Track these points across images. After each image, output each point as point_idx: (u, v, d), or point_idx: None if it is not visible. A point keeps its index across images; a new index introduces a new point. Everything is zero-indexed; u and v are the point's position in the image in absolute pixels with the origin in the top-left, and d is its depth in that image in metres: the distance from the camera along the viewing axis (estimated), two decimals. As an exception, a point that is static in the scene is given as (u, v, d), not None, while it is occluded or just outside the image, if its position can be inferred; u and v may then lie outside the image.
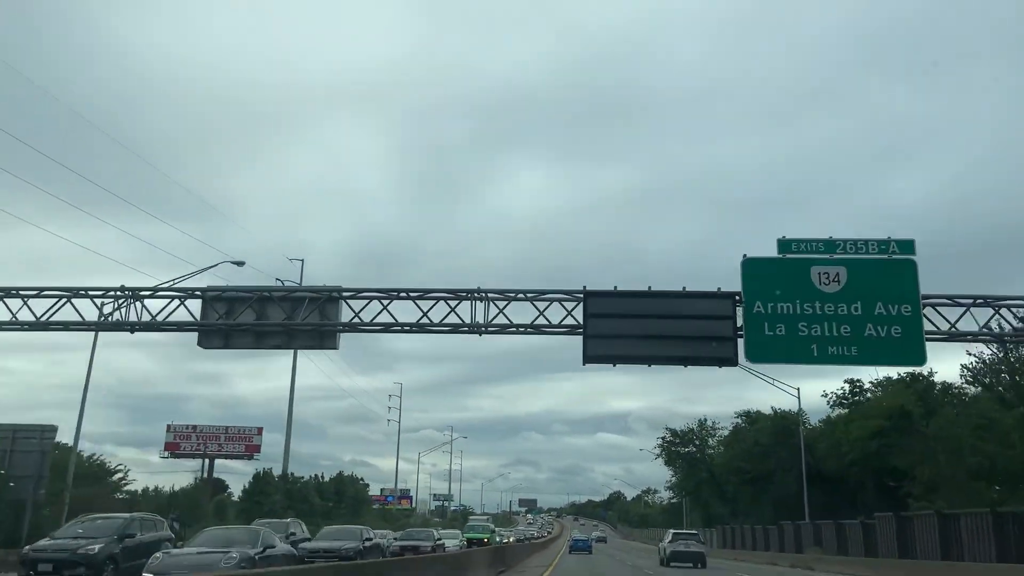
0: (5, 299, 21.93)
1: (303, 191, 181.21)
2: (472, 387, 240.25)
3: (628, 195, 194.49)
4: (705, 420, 78.23)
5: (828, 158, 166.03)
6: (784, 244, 22.06)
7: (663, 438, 78.37)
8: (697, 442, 77.74)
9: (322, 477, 72.65)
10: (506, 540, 54.42)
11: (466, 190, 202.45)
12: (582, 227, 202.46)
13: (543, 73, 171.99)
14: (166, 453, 58.84)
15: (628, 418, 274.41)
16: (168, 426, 59.32)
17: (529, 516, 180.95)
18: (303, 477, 64.64)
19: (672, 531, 39.98)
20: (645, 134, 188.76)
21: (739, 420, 67.52)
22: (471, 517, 77.93)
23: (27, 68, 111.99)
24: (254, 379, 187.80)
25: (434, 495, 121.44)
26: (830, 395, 54.12)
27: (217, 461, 60.03)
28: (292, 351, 42.15)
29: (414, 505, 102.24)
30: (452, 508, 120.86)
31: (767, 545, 46.81)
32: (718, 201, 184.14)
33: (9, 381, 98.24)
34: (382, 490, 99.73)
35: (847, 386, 53.05)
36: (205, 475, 57.92)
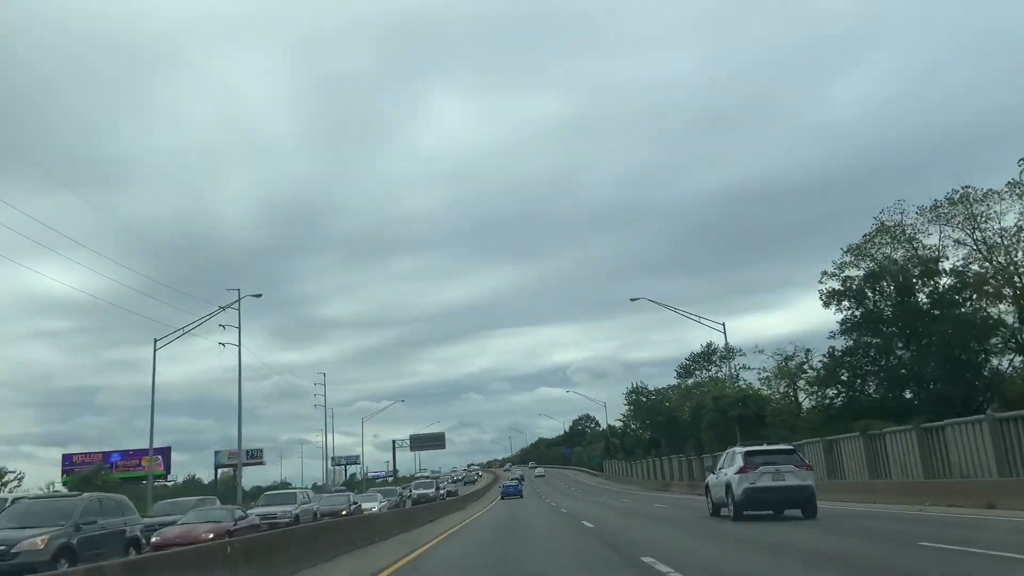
0: None
1: (200, 142, 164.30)
2: (409, 351, 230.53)
3: (559, 125, 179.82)
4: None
5: (769, 66, 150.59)
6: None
7: None
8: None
9: None
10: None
11: (384, 131, 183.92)
12: (513, 164, 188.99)
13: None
14: None
15: (568, 370, 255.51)
16: None
17: (427, 471, 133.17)
18: None
19: (741, 450, 20.65)
20: (570, 55, 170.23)
21: None
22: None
23: None
24: (174, 364, 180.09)
25: (334, 458, 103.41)
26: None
27: None
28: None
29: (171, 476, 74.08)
30: (375, 475, 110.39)
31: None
32: (654, 125, 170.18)
33: None
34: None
35: None
36: None
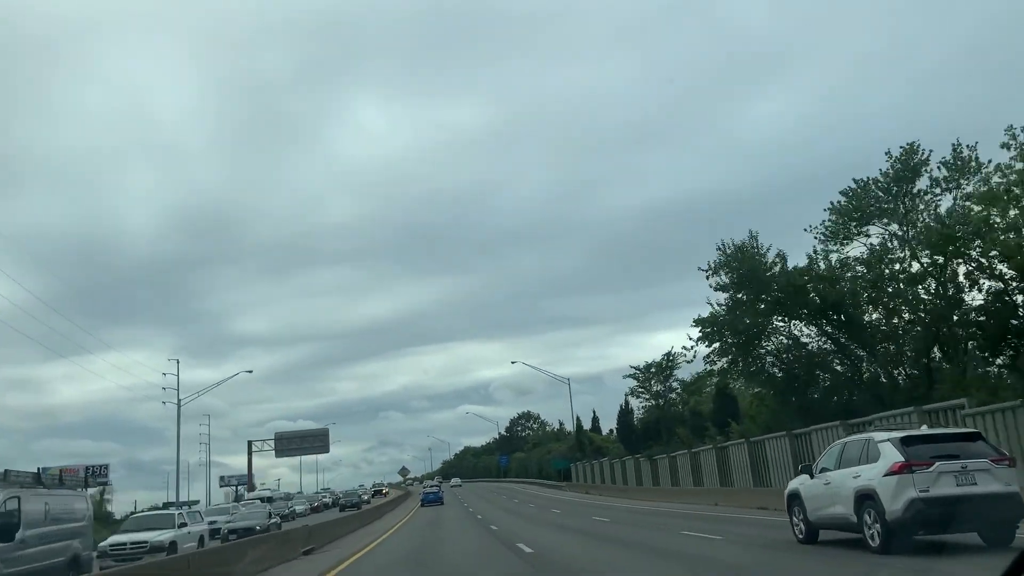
0: None
1: (99, 143, 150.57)
2: (327, 370, 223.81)
3: (483, 135, 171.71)
4: None
5: (692, 82, 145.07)
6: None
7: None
8: None
9: None
10: None
11: (302, 136, 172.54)
12: (436, 174, 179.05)
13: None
14: None
15: (490, 387, 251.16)
16: None
17: (329, 490, 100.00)
18: None
19: (889, 435, 11.22)
20: (496, 64, 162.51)
21: None
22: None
23: None
24: (74, 382, 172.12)
25: (223, 477, 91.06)
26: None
27: None
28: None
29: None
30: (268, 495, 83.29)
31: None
32: (578, 138, 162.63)
33: None
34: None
35: None
36: None
